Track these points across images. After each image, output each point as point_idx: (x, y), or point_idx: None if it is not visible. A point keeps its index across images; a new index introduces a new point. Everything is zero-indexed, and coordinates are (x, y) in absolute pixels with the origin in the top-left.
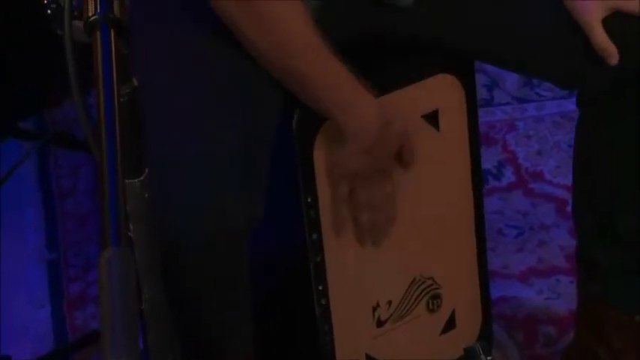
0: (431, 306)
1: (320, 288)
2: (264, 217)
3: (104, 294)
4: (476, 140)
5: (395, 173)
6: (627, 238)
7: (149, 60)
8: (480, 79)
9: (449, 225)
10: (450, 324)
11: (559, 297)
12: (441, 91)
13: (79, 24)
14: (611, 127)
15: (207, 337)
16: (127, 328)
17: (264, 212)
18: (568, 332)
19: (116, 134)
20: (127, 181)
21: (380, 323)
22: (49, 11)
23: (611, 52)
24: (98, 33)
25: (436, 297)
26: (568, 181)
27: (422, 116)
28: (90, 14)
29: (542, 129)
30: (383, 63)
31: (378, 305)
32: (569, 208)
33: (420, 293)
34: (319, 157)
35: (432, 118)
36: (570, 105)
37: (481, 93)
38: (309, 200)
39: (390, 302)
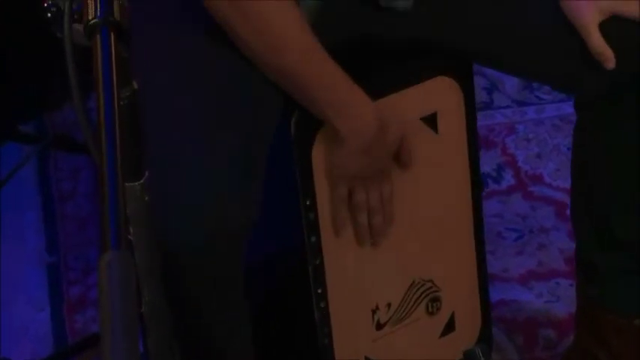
0: (430, 309)
1: (319, 291)
2: (264, 219)
3: (104, 297)
4: (474, 143)
5: (394, 177)
6: (626, 240)
7: (149, 61)
8: (480, 82)
9: (448, 228)
10: (450, 327)
11: (559, 300)
12: (440, 93)
13: (79, 27)
14: (608, 131)
15: (206, 339)
16: (127, 332)
17: (264, 215)
18: (568, 335)
19: (116, 137)
20: (126, 184)
21: (379, 326)
22: (49, 14)
23: (607, 57)
24: (98, 36)
25: (435, 300)
26: (567, 184)
27: (421, 119)
28: (90, 17)
29: (542, 132)
30: (382, 66)
31: (377, 308)
32: (568, 211)
33: (420, 296)
34: (318, 160)
35: (431, 121)
36: (570, 108)
37: (481, 96)
38: (307, 203)
39: (389, 305)
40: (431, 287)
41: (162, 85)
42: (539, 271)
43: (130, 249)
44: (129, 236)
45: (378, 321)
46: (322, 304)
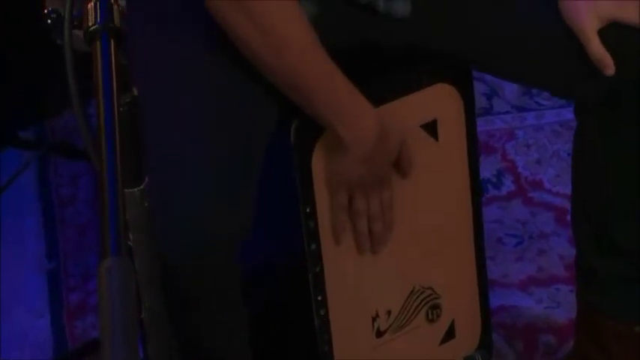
0: (430, 316)
1: (319, 298)
2: (264, 227)
3: (104, 303)
4: (474, 150)
5: (394, 183)
6: (625, 246)
7: (149, 67)
8: (480, 88)
9: (448, 234)
10: (450, 334)
11: (559, 306)
12: (440, 100)
13: (79, 33)
14: (607, 137)
15: (206, 345)
16: (127, 338)
17: (264, 222)
18: (568, 341)
19: (116, 143)
20: (126, 190)
21: (379, 333)
22: (49, 21)
23: (607, 63)
24: (98, 42)
25: (435, 307)
26: (567, 189)
27: (421, 126)
28: (90, 24)
29: (542, 138)
30: (382, 73)
31: (377, 315)
32: (568, 217)
33: (420, 303)
34: (318, 167)
35: (431, 128)
36: (570, 114)
37: (480, 102)
38: (307, 210)
39: (389, 312)
40: (431, 294)
41: (162, 92)
42: (539, 276)
43: (129, 255)
44: (129, 242)
45: (378, 328)
46: (322, 312)
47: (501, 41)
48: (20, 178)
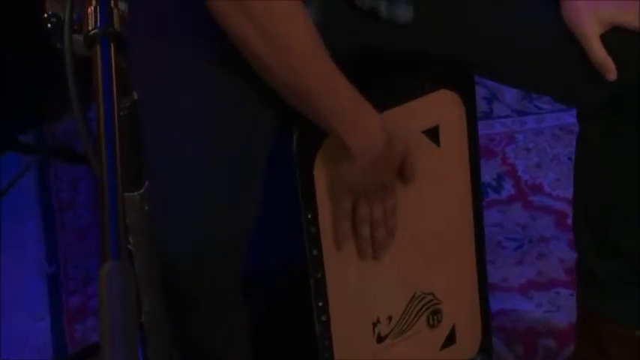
0: (431, 321)
1: (320, 304)
2: (265, 233)
3: (104, 307)
4: (476, 156)
5: (395, 188)
6: (626, 251)
7: (148, 70)
8: (480, 92)
9: (449, 240)
10: (450, 339)
11: (559, 310)
12: (442, 106)
13: (79, 37)
14: (608, 142)
15: (206, 348)
16: (127, 341)
17: (265, 228)
18: (568, 345)
19: (116, 148)
20: (126, 194)
21: (380, 339)
22: (49, 25)
23: (609, 68)
24: (98, 47)
25: (436, 312)
26: (567, 193)
27: (422, 132)
28: (90, 28)
29: (542, 142)
30: (384, 79)
31: (378, 321)
32: (568, 221)
33: (421, 309)
34: (319, 174)
35: (433, 134)
36: (569, 118)
37: (481, 106)
38: (309, 216)
39: (390, 318)
40: (432, 300)
41: (162, 92)
42: (539, 280)
43: (129, 259)
44: (129, 246)
45: (379, 334)
46: (323, 318)
47: (502, 43)
48: (20, 182)
